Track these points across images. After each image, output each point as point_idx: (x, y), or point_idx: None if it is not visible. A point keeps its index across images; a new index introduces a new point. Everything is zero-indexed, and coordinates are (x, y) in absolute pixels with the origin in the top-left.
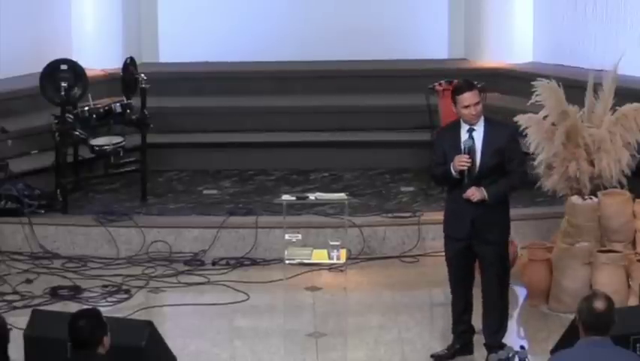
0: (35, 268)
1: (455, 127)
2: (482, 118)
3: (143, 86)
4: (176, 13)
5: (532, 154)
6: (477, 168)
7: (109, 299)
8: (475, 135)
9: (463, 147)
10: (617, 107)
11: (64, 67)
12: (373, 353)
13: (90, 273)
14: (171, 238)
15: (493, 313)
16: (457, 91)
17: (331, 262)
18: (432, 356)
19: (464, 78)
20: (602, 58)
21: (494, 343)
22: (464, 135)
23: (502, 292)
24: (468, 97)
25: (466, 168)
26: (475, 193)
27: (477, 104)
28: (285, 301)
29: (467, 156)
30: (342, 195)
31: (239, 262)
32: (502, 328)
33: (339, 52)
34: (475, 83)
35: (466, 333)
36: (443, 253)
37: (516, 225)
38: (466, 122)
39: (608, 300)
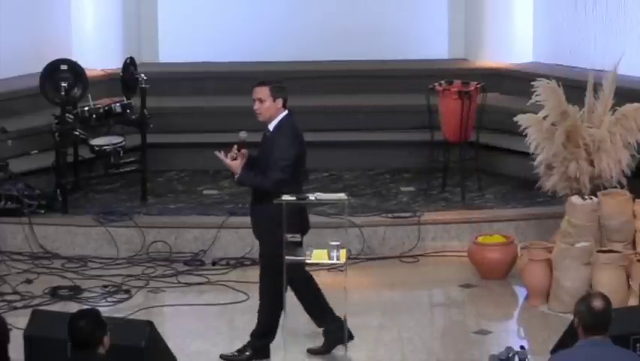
0: (35, 268)
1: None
2: (279, 121)
3: (143, 86)
4: (176, 13)
5: (533, 154)
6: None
7: (109, 299)
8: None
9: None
10: (617, 107)
11: (64, 67)
12: (373, 353)
13: (90, 273)
14: (171, 238)
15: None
16: None
17: (331, 262)
18: (221, 356)
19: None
20: (602, 58)
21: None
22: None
23: (263, 289)
24: (254, 91)
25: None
26: (230, 163)
27: (260, 101)
28: (285, 301)
29: (235, 147)
30: (342, 195)
31: (239, 262)
32: (259, 334)
33: (339, 52)
34: (278, 84)
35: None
36: (443, 253)
37: (516, 225)
38: None
39: (605, 298)
